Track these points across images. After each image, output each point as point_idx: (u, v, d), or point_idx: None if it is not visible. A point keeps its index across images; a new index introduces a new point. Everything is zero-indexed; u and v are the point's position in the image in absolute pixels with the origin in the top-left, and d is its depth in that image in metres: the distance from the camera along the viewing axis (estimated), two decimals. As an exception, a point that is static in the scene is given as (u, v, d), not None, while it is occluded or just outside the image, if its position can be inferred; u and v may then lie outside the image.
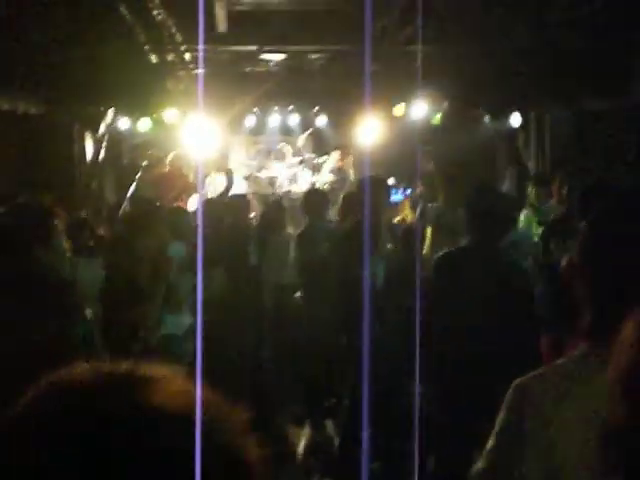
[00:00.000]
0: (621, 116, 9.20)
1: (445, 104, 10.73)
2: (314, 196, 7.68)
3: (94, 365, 0.85)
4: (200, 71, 10.87)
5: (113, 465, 0.74)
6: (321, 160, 13.13)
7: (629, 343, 0.95)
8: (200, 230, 6.64)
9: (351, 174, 12.05)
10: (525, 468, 1.86)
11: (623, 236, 1.90)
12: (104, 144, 11.82)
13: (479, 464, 2.02)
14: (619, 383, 0.93)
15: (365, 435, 3.00)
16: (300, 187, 12.72)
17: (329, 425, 7.10)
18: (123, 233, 5.49)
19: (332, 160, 12.55)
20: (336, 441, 6.44)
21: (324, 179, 12.53)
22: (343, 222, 7.26)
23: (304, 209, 7.76)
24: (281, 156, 13.51)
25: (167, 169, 11.40)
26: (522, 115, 11.08)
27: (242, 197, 8.59)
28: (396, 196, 9.89)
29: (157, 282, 5.44)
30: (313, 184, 12.05)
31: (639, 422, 0.90)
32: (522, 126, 11.13)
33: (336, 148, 12.48)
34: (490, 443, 1.98)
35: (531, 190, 8.42)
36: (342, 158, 12.34)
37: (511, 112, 11.09)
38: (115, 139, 12.19)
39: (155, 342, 5.22)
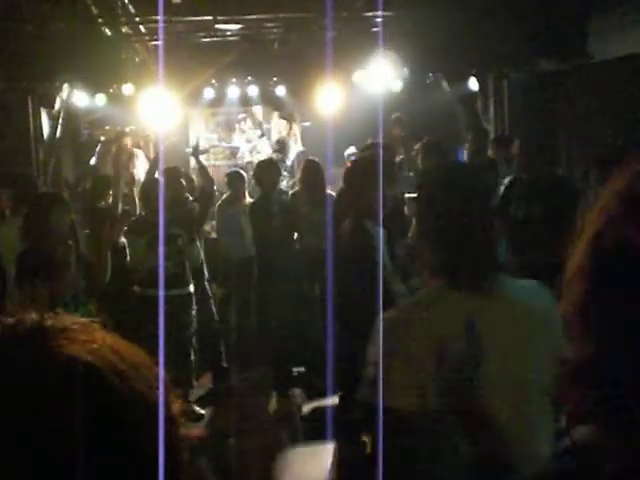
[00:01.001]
0: (577, 77, 9.29)
1: (404, 70, 10.72)
2: (267, 166, 7.66)
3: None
4: (160, 42, 10.72)
5: (31, 426, 0.72)
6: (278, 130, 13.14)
7: (581, 273, 0.94)
8: (161, 201, 6.66)
9: (294, 145, 12.05)
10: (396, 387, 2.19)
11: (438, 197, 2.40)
12: (60, 121, 11.63)
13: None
14: (577, 317, 0.92)
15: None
16: (260, 158, 12.70)
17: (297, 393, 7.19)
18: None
19: (277, 130, 12.54)
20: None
21: (269, 149, 12.55)
22: (306, 193, 7.27)
23: (256, 180, 7.74)
24: (241, 127, 13.46)
25: (121, 145, 11.30)
26: (479, 79, 11.14)
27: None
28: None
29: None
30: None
31: (604, 357, 0.88)
32: (481, 90, 11.19)
33: (282, 117, 12.46)
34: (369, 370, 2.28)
35: (492, 153, 8.49)
36: (288, 128, 12.35)
37: (469, 76, 11.15)
38: (71, 115, 12.00)
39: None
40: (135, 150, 11.71)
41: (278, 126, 12.85)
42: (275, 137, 12.73)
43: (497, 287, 2.31)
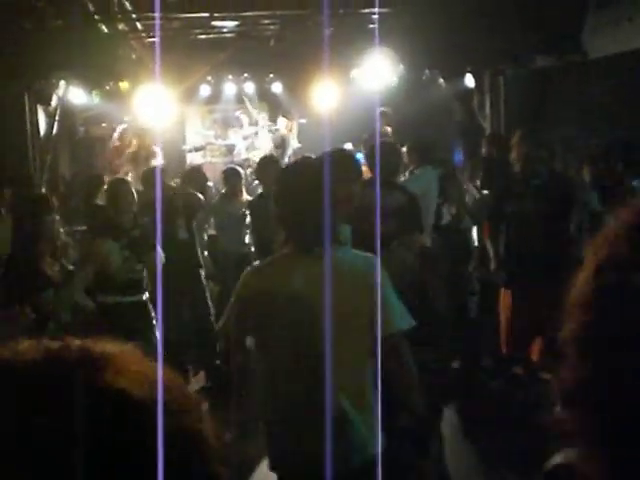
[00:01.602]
0: (573, 74, 9.32)
1: (400, 67, 10.74)
2: (268, 163, 7.64)
3: (39, 342, 0.78)
4: (156, 39, 10.72)
5: (71, 459, 0.69)
6: (274, 127, 13.16)
7: (581, 303, 0.95)
8: (158, 198, 6.63)
9: (292, 141, 12.07)
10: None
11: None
12: (57, 117, 11.63)
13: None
14: (576, 343, 0.92)
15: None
16: (257, 155, 12.71)
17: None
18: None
19: (280, 127, 12.58)
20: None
21: (268, 146, 12.57)
22: None
23: (257, 176, 7.73)
24: (238, 124, 13.47)
25: (117, 143, 11.34)
26: (475, 76, 11.16)
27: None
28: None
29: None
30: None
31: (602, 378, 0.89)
32: (477, 87, 11.22)
33: (282, 115, 12.49)
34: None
35: (485, 150, 8.52)
36: (287, 125, 12.38)
37: (465, 73, 11.17)
38: (68, 112, 12.00)
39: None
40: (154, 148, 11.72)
41: (279, 123, 12.87)
42: (267, 134, 12.77)
43: (333, 254, 2.94)
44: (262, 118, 13.24)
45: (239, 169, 9.02)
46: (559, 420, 0.91)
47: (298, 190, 3.09)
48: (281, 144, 12.02)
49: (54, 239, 5.74)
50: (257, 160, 10.68)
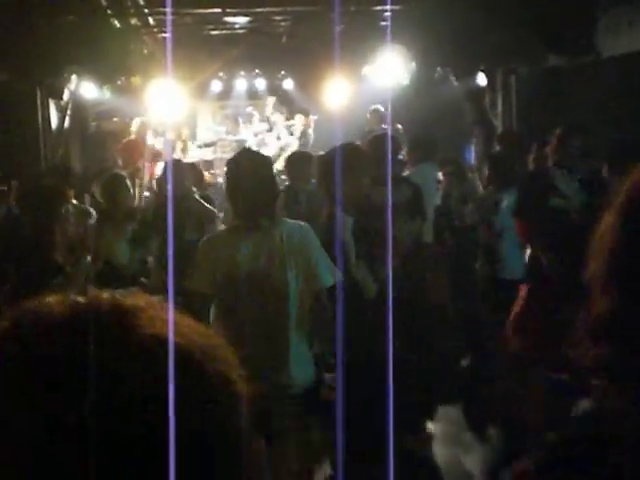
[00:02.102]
0: (586, 73, 9.26)
1: (412, 64, 10.71)
2: (299, 158, 7.57)
3: (66, 296, 0.78)
4: (168, 35, 10.73)
5: (104, 408, 0.68)
6: (289, 123, 13.13)
7: (610, 233, 0.98)
8: (170, 193, 6.63)
9: (311, 137, 12.04)
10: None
11: None
12: (68, 112, 11.66)
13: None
14: (602, 274, 0.96)
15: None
16: (269, 151, 12.70)
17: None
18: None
19: (298, 123, 12.57)
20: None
21: (287, 142, 12.56)
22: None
23: (287, 171, 7.68)
24: (249, 120, 13.47)
25: (133, 137, 11.34)
26: (487, 74, 11.11)
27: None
28: None
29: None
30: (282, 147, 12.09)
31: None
32: (489, 85, 11.17)
33: (300, 112, 12.47)
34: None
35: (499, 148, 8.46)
36: (304, 121, 12.36)
37: (477, 71, 11.13)
38: (79, 107, 12.03)
39: None
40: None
41: (297, 119, 12.80)
42: (297, 130, 12.72)
43: (272, 225, 3.78)
44: (280, 115, 13.16)
45: None
46: (583, 355, 0.93)
47: (239, 176, 3.91)
48: (304, 140, 12.00)
49: (68, 230, 5.75)
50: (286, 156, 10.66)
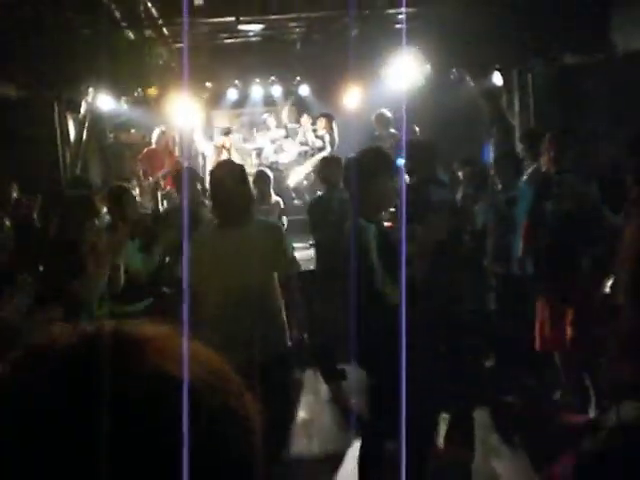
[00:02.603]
0: (601, 71, 9.20)
1: (427, 66, 10.68)
2: (331, 163, 7.53)
3: (75, 327, 0.77)
4: (183, 45, 10.78)
5: (109, 439, 0.68)
6: (304, 129, 13.10)
7: (635, 253, 0.93)
8: (185, 199, 6.65)
9: (336, 140, 12.00)
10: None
11: None
12: (86, 124, 11.73)
13: None
14: (631, 293, 0.93)
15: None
16: (286, 157, 12.73)
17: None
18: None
19: (319, 128, 12.50)
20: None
21: (314, 146, 12.55)
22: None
23: (322, 176, 7.61)
24: (265, 127, 13.49)
25: (154, 146, 11.38)
26: (503, 74, 11.07)
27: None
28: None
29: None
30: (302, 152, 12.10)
31: None
32: (505, 85, 11.12)
33: (321, 115, 12.42)
34: None
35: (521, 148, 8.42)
36: (327, 126, 12.31)
37: (493, 71, 11.09)
38: (97, 119, 12.10)
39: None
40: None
41: (319, 123, 12.68)
42: (319, 133, 12.67)
43: (247, 223, 4.54)
44: (307, 117, 13.05)
45: (267, 172, 9.01)
46: (616, 372, 0.90)
47: (219, 183, 4.65)
48: (329, 143, 11.98)
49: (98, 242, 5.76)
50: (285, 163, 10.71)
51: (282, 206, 8.64)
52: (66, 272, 4.95)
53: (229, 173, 4.68)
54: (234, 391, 0.77)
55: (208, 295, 4.39)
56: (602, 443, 0.99)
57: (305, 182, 12.45)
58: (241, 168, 4.82)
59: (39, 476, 0.67)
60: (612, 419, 0.99)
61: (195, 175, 8.14)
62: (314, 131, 12.80)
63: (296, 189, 12.52)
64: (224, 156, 11.99)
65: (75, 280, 4.97)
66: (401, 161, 8.92)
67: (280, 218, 8.21)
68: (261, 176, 8.63)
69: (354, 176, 4.35)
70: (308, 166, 12.09)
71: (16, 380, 0.73)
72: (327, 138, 12.11)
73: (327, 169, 7.38)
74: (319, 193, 7.72)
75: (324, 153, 11.68)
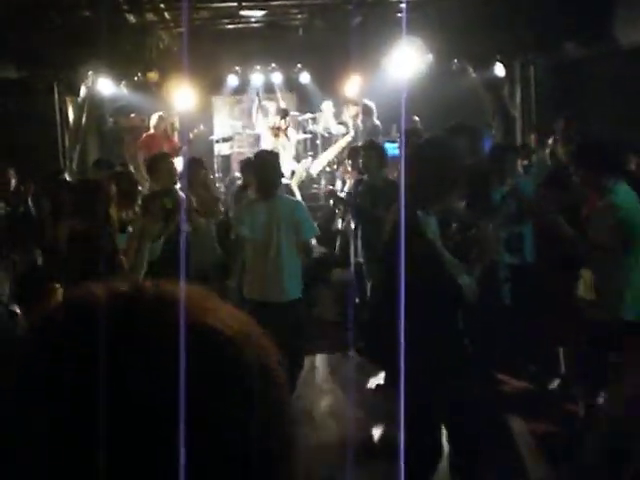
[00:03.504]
0: (604, 63, 9.17)
1: (429, 56, 10.64)
2: (369, 149, 7.50)
3: (113, 284, 0.76)
4: (184, 30, 10.72)
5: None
6: (310, 116, 12.97)
7: None
8: (185, 187, 6.63)
9: (360, 127, 11.83)
10: None
11: None
12: (86, 108, 11.69)
13: None
14: None
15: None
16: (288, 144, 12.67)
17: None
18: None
19: (345, 114, 12.26)
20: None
21: (296, 136, 12.47)
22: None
23: (363, 163, 7.49)
24: (265, 114, 13.44)
25: (152, 131, 11.34)
26: (505, 65, 11.03)
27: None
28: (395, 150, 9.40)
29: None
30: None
31: None
32: (507, 76, 11.08)
33: (349, 101, 12.15)
34: None
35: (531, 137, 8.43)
36: (352, 111, 12.05)
37: (495, 62, 11.04)
38: (96, 103, 12.06)
39: None
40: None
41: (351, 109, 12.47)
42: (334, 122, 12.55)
43: (276, 199, 5.91)
44: (328, 103, 12.86)
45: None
46: None
47: (258, 167, 6.19)
48: (354, 130, 11.83)
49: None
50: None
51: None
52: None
53: (270, 159, 6.19)
54: (262, 344, 0.78)
55: (246, 249, 5.99)
56: None
57: (328, 169, 12.23)
58: (277, 155, 6.46)
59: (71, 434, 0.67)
60: None
61: (196, 162, 8.05)
62: (336, 119, 12.63)
63: (313, 177, 12.28)
64: (280, 137, 11.87)
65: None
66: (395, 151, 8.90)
67: None
68: (248, 164, 8.58)
69: (415, 164, 4.16)
70: (331, 153, 11.93)
71: (49, 333, 0.72)
72: (350, 124, 11.92)
73: (368, 155, 7.31)
74: (363, 178, 7.59)
75: (347, 139, 11.57)
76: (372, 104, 11.08)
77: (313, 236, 6.23)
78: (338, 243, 9.10)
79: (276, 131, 11.68)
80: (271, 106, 13.40)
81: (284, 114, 12.08)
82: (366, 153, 7.43)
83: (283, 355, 0.79)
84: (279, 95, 13.64)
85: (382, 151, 7.38)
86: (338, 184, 11.20)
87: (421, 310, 3.48)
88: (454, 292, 3.91)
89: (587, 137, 6.10)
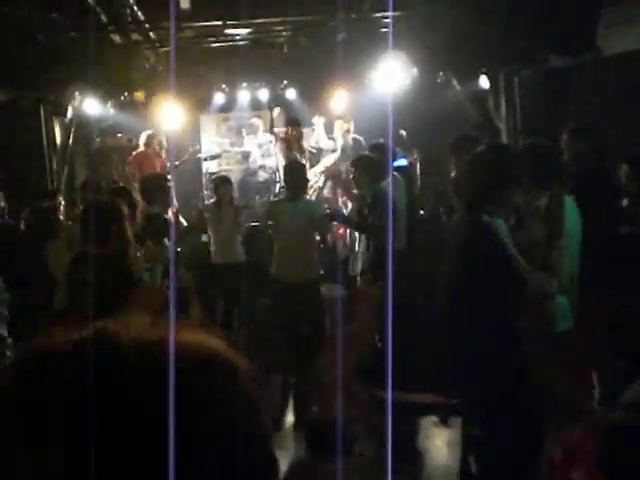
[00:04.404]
0: (588, 72, 9.25)
1: (414, 70, 10.71)
2: (360, 165, 7.64)
3: (66, 331, 0.79)
4: (170, 49, 10.76)
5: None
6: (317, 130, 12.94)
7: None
8: (173, 204, 6.66)
9: (349, 143, 11.83)
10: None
11: None
12: (73, 129, 11.70)
13: None
14: None
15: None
16: (273, 161, 12.68)
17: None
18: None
19: (338, 128, 12.24)
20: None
21: (326, 147, 12.44)
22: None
23: (356, 179, 7.80)
24: (253, 131, 13.46)
25: (142, 149, 11.36)
26: (490, 77, 11.09)
27: None
28: (400, 161, 9.39)
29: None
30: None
31: None
32: (491, 88, 11.15)
33: (339, 117, 12.17)
34: None
35: None
36: (343, 127, 12.07)
37: (479, 75, 11.11)
38: (83, 123, 12.07)
39: None
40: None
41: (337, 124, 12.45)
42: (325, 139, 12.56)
43: (301, 200, 7.43)
44: (319, 118, 12.86)
45: (228, 177, 9.14)
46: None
47: (293, 172, 7.57)
48: (344, 146, 11.85)
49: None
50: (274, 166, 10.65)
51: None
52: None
53: (299, 167, 7.81)
54: (237, 366, 0.80)
55: (275, 241, 7.47)
56: (621, 418, 0.99)
57: (319, 183, 12.21)
58: (304, 164, 8.71)
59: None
60: (629, 396, 0.99)
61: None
62: (328, 135, 12.63)
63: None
64: (294, 149, 11.85)
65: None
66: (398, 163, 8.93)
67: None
68: (221, 181, 8.71)
69: (478, 169, 4.19)
70: (321, 167, 11.94)
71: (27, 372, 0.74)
72: (340, 141, 11.95)
73: (357, 169, 7.58)
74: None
75: (335, 155, 11.65)
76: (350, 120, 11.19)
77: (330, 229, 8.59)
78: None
79: (288, 142, 11.56)
80: (260, 123, 13.43)
81: (296, 123, 11.87)
82: (356, 170, 7.54)
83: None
84: (277, 111, 13.59)
85: (373, 164, 7.40)
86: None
87: (497, 313, 3.71)
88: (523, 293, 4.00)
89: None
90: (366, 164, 7.47)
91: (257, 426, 0.79)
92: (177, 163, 11.62)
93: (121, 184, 9.65)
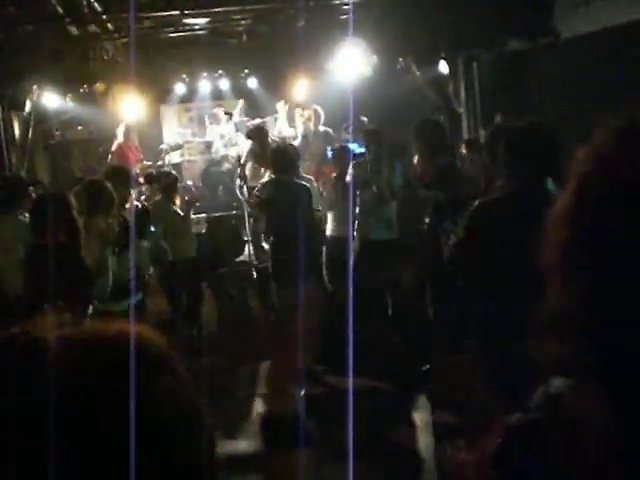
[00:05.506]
0: (546, 55, 9.34)
1: (374, 56, 10.73)
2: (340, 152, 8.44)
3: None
4: (128, 40, 10.66)
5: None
6: (260, 120, 12.93)
7: (565, 218, 0.86)
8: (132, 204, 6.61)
9: (311, 130, 11.80)
10: None
11: None
12: (31, 123, 11.55)
13: None
14: (559, 265, 0.86)
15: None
16: (237, 150, 12.64)
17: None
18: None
19: (298, 116, 12.19)
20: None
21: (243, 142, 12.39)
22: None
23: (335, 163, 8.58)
24: (215, 121, 13.41)
25: (122, 140, 11.27)
26: (449, 62, 11.15)
27: None
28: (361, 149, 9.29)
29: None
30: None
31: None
32: (451, 73, 11.21)
33: (297, 105, 12.13)
34: None
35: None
36: (305, 115, 12.02)
37: (438, 60, 11.16)
38: (42, 117, 11.92)
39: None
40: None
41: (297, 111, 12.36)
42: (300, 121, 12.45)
43: (296, 180, 7.67)
44: (282, 104, 12.74)
45: (172, 172, 9.10)
46: (545, 350, 0.85)
47: (278, 153, 7.79)
48: (306, 132, 11.76)
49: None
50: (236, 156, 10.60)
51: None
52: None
53: (293, 153, 7.81)
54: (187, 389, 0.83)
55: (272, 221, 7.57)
56: (530, 418, 0.99)
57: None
58: (295, 149, 8.23)
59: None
60: (540, 395, 0.98)
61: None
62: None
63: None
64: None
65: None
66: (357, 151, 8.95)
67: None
68: (165, 176, 8.68)
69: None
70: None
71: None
72: (300, 129, 11.90)
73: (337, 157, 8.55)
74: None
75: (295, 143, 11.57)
76: (321, 111, 11.17)
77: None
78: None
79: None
80: (221, 113, 13.37)
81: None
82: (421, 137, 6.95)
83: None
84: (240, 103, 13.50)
85: (441, 131, 7.23)
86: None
87: None
88: None
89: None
90: (433, 130, 6.89)
91: (183, 410, 0.81)
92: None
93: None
